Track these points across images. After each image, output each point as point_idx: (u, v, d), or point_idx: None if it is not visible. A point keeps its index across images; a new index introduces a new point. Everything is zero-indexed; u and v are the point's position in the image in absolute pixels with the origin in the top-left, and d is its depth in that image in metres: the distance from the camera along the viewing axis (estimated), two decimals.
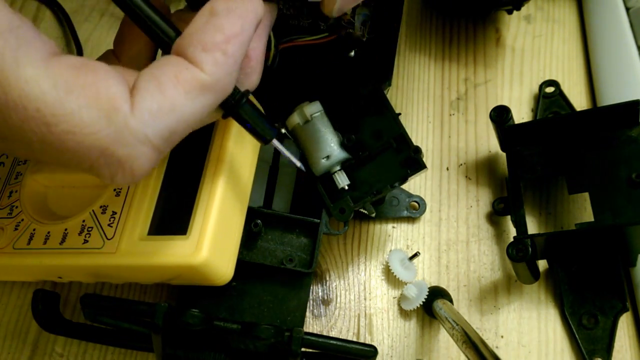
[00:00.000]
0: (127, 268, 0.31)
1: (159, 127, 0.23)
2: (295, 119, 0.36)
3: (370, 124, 0.37)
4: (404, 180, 0.35)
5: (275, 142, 0.29)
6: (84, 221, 0.33)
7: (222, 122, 0.33)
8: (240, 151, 0.33)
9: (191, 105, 0.23)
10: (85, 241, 0.32)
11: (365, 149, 0.36)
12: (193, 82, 0.23)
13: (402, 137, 0.35)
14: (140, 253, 0.30)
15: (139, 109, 0.22)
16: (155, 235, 0.31)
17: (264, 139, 0.28)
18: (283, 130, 0.37)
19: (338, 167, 0.36)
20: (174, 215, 0.32)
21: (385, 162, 0.36)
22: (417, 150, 0.35)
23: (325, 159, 0.36)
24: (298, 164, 0.33)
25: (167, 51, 0.25)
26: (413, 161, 0.35)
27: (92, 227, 0.32)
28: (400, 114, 0.37)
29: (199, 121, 0.24)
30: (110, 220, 0.32)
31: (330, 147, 0.36)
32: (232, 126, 0.32)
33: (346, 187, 0.36)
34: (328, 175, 0.36)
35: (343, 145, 0.36)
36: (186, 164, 0.33)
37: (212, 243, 0.30)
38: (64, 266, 0.32)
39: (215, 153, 0.32)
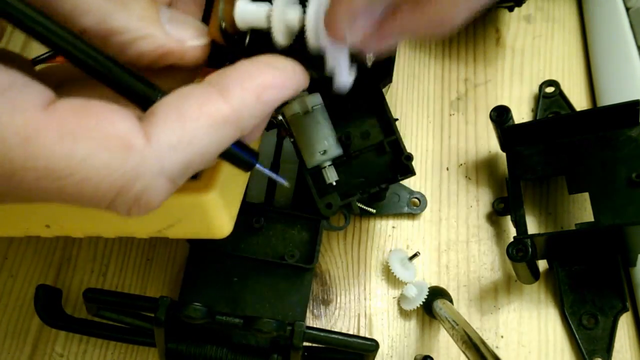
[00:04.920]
0: None
1: (177, 160, 0.22)
2: (295, 107, 0.35)
3: (361, 123, 0.37)
4: (391, 182, 0.36)
5: (258, 166, 0.28)
6: None
7: None
8: None
9: (209, 140, 0.22)
10: None
11: (352, 146, 0.37)
12: (216, 115, 0.22)
13: (397, 142, 0.36)
14: None
15: (157, 141, 0.21)
16: None
17: (245, 167, 0.27)
18: (280, 117, 0.36)
19: (329, 163, 0.36)
20: None
21: (376, 163, 0.37)
22: (409, 158, 0.36)
23: (321, 152, 0.36)
24: (286, 183, 0.32)
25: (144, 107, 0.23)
26: (404, 167, 0.36)
27: None
28: (397, 119, 0.37)
29: (213, 157, 0.24)
30: None
31: (328, 142, 0.36)
32: None
33: (334, 183, 0.36)
34: (317, 168, 0.36)
35: (340, 141, 0.36)
36: None
37: (220, 186, 0.30)
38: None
39: None
